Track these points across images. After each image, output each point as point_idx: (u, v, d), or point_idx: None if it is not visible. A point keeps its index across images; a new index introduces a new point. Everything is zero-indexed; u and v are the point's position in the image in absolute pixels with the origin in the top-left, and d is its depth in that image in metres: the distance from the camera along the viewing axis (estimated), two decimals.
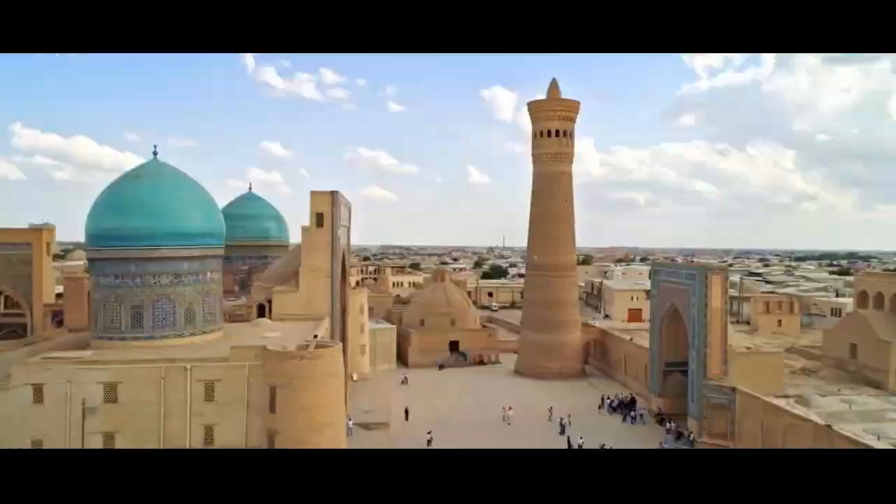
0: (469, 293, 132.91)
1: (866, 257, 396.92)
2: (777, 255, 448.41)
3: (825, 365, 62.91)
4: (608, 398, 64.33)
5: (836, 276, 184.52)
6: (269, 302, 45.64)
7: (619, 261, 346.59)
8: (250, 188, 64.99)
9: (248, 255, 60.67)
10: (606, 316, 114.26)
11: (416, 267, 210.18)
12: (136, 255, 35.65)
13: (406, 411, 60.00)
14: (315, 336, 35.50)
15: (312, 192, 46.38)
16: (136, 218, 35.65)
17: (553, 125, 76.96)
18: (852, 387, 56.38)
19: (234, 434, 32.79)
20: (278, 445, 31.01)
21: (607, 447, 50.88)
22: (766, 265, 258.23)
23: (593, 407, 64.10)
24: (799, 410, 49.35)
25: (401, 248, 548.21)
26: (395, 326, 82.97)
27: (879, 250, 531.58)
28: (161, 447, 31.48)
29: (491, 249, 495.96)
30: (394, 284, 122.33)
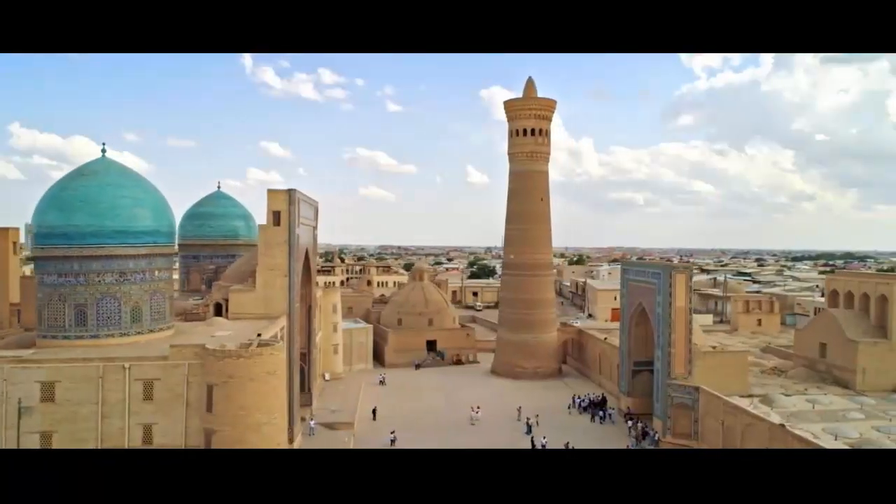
0: (454, 293, 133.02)
1: (862, 258, 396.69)
2: (774, 256, 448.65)
3: (796, 364, 62.67)
4: (578, 398, 64.04)
5: (826, 276, 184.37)
6: (227, 301, 45.36)
7: (614, 261, 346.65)
8: (219, 187, 64.65)
9: (217, 253, 60.33)
10: (590, 315, 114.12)
11: (408, 267, 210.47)
12: (80, 253, 35.31)
13: (374, 411, 59.79)
14: (259, 335, 35.20)
15: (269, 191, 46.02)
16: (80, 216, 35.34)
17: (528, 124, 76.68)
18: (820, 386, 56.16)
19: (173, 434, 32.51)
20: (215, 445, 30.74)
21: (570, 447, 50.72)
22: (760, 265, 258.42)
23: (565, 406, 63.81)
24: (761, 410, 49.17)
25: (399, 248, 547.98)
26: (371, 326, 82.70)
27: (877, 250, 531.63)
28: (99, 447, 31.24)
29: (489, 250, 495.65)
30: (378, 284, 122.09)
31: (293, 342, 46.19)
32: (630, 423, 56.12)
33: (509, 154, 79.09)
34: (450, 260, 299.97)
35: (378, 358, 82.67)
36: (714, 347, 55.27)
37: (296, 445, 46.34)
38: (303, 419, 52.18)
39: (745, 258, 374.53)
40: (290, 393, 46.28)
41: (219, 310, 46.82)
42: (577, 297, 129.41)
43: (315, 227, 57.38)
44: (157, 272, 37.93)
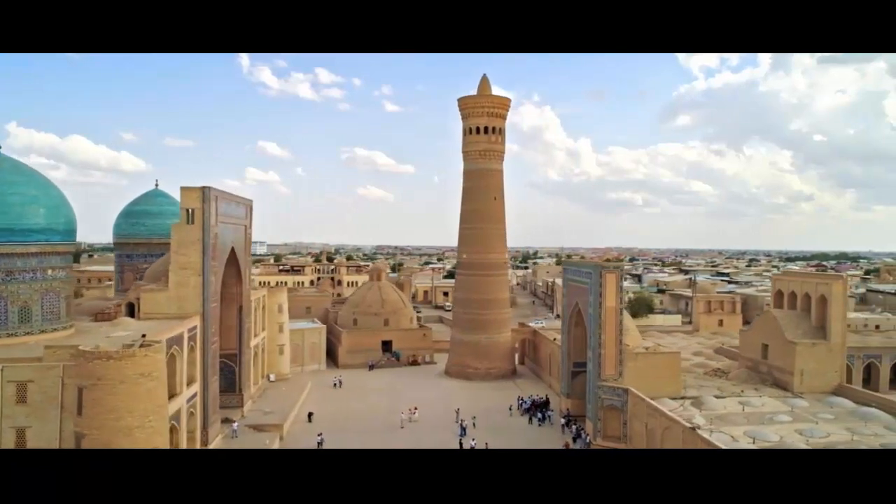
0: (425, 293, 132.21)
1: (855, 258, 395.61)
2: (768, 256, 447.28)
3: (741, 366, 61.80)
4: (521, 399, 63.17)
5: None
6: (139, 300, 44.54)
7: (607, 260, 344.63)
8: (157, 185, 63.78)
9: (152, 252, 59.34)
10: (558, 315, 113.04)
11: (397, 268, 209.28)
12: None
13: (309, 414, 58.96)
14: (143, 335, 34.32)
15: (182, 188, 45.17)
16: None
17: (482, 121, 75.83)
18: (758, 388, 55.32)
19: (47, 437, 31.70)
20: (86, 448, 29.92)
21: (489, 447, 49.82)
22: (749, 265, 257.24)
23: (508, 408, 62.86)
24: (689, 412, 48.42)
25: (395, 248, 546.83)
26: (324, 326, 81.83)
27: (871, 251, 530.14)
28: None
29: None
30: (349, 284, 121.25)
31: (208, 343, 45.35)
32: (563, 423, 55.32)
33: (463, 152, 78.26)
34: (440, 260, 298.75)
35: (333, 358, 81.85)
36: (647, 349, 54.34)
37: (212, 448, 45.55)
38: (227, 421, 51.39)
39: (737, 259, 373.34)
40: (205, 395, 45.52)
41: (131, 310, 45.97)
42: (549, 297, 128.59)
43: (247, 227, 56.54)
44: (49, 271, 37.12)
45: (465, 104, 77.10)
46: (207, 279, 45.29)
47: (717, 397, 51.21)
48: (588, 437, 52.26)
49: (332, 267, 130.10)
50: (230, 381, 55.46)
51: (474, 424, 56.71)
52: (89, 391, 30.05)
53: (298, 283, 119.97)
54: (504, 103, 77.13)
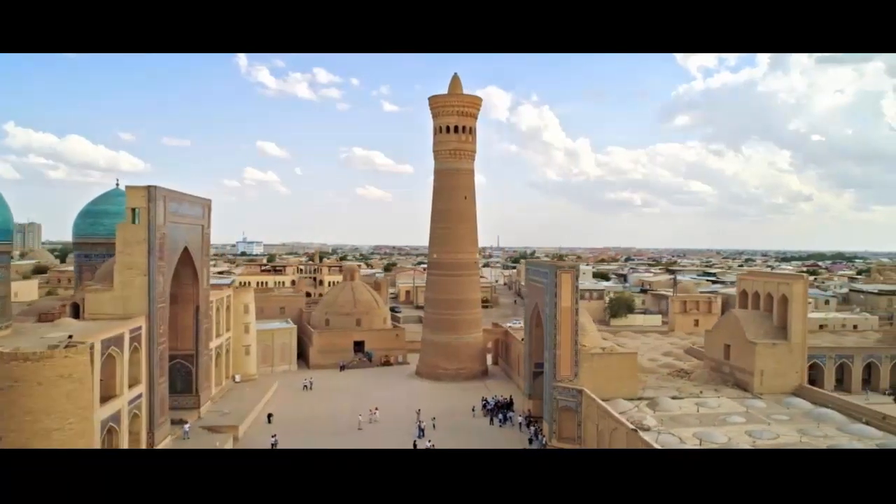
0: (407, 293, 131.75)
1: (851, 258, 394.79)
2: (765, 256, 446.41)
3: (706, 366, 61.33)
4: (484, 400, 62.71)
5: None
6: (83, 301, 44.13)
7: (602, 260, 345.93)
8: (117, 184, 63.22)
9: (111, 252, 58.47)
10: None
11: (389, 268, 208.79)
12: None
13: (269, 415, 58.56)
14: (70, 336, 33.93)
15: (127, 187, 44.82)
16: None
17: (452, 121, 75.38)
18: (718, 388, 54.86)
19: None
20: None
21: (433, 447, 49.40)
22: (742, 265, 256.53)
23: (476, 409, 62.40)
24: (643, 413, 47.99)
25: (393, 248, 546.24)
26: (295, 326, 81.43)
27: (867, 250, 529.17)
28: None
29: (483, 250, 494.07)
30: (330, 284, 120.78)
31: (154, 344, 44.94)
32: (521, 424, 54.90)
33: (434, 151, 77.84)
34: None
35: (306, 359, 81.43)
36: (603, 349, 53.88)
37: (154, 448, 45.12)
38: (180, 422, 50.98)
39: (734, 259, 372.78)
40: (152, 396, 45.10)
41: (76, 310, 45.56)
42: None
43: (204, 226, 56.09)
44: None
45: (435, 103, 76.68)
46: (154, 279, 44.88)
47: (673, 398, 50.74)
48: (544, 439, 51.82)
49: (315, 267, 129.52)
50: (187, 382, 55.04)
51: (434, 426, 56.29)
52: (6, 393, 29.65)
53: (279, 282, 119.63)
54: (475, 102, 76.66)
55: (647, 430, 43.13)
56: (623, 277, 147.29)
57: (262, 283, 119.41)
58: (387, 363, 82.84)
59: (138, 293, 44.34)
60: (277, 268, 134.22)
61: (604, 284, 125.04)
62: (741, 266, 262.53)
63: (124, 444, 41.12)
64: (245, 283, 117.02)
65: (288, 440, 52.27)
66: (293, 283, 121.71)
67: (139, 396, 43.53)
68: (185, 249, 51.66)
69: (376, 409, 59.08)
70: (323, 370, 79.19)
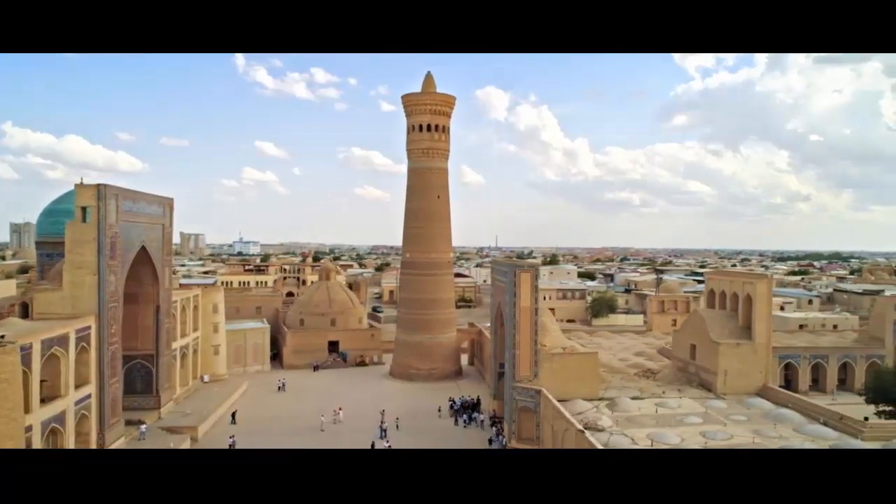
0: (391, 293, 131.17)
1: (847, 257, 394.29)
2: (761, 256, 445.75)
3: (673, 366, 60.89)
4: (451, 400, 62.29)
5: (794, 276, 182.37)
6: (32, 300, 43.73)
7: (597, 260, 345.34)
8: (81, 181, 62.70)
9: None
10: None
11: (382, 268, 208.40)
12: None
13: (233, 414, 58.22)
14: (2, 336, 33.52)
15: (76, 185, 44.45)
16: None
17: (425, 119, 74.95)
18: (682, 388, 54.44)
19: None
20: None
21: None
22: (735, 265, 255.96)
23: (443, 410, 61.97)
24: (602, 413, 47.59)
25: (391, 248, 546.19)
26: (268, 326, 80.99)
27: (864, 250, 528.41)
28: None
29: (480, 249, 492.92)
30: (312, 283, 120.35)
31: (104, 344, 44.52)
32: (483, 424, 54.49)
33: (407, 150, 77.43)
34: None
35: (281, 359, 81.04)
36: (564, 349, 53.43)
37: (103, 448, 44.69)
38: (138, 422, 50.61)
39: (731, 258, 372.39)
40: (102, 397, 44.69)
41: (25, 310, 45.18)
42: None
43: (165, 225, 55.69)
44: None
45: (408, 101, 76.25)
46: (105, 279, 44.46)
47: (634, 399, 50.30)
48: (504, 439, 51.41)
49: (298, 267, 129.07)
50: (147, 382, 54.67)
51: (397, 426, 55.89)
52: None
53: (262, 282, 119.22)
54: (448, 101, 76.20)
55: (601, 430, 42.73)
56: (610, 277, 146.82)
57: (244, 282, 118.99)
58: (362, 363, 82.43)
59: (88, 292, 43.92)
60: (261, 268, 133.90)
61: (588, 284, 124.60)
62: (733, 266, 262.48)
63: (70, 444, 40.75)
64: (227, 282, 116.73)
65: (249, 441, 51.90)
66: (275, 282, 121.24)
67: (88, 397, 43.14)
68: (143, 249, 51.28)
69: (340, 409, 58.68)
70: (297, 370, 78.77)
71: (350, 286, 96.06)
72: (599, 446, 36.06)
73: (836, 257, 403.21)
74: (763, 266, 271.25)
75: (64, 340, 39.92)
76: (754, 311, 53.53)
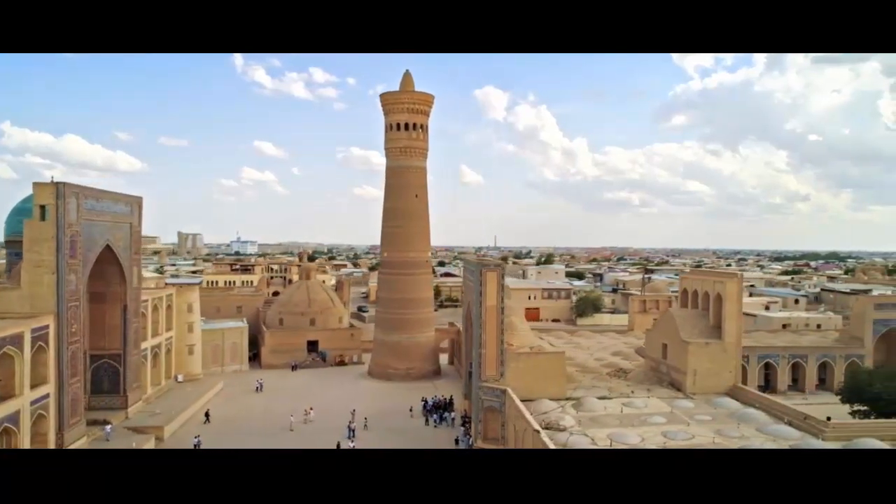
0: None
1: (844, 257, 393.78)
2: (759, 256, 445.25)
3: (646, 366, 60.56)
4: (424, 400, 61.99)
5: (786, 276, 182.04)
6: None
7: (593, 260, 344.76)
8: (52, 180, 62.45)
9: None
10: None
11: (375, 268, 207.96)
12: None
13: (207, 413, 58.02)
14: None
15: (34, 184, 44.18)
16: None
17: (403, 118, 74.71)
18: (652, 388, 54.06)
19: None
20: None
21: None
22: (730, 265, 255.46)
23: (415, 409, 61.66)
24: (566, 412, 47.28)
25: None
26: (246, 325, 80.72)
27: (861, 250, 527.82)
28: None
29: (479, 249, 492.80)
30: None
31: (64, 343, 44.24)
32: (451, 423, 54.21)
33: (385, 149, 77.22)
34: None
35: (259, 359, 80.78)
36: (531, 349, 53.12)
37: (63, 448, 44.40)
38: (104, 422, 50.36)
39: (729, 258, 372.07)
40: (61, 396, 44.40)
41: None
42: None
43: (133, 224, 55.36)
44: None
45: (385, 100, 76.04)
46: (64, 278, 44.19)
47: (601, 399, 49.95)
48: (471, 439, 51.12)
49: (285, 266, 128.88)
50: (114, 382, 54.39)
51: (366, 426, 55.63)
52: None
53: (247, 282, 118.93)
54: (426, 100, 75.93)
55: (562, 430, 42.40)
56: (599, 277, 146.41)
57: (230, 282, 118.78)
58: (341, 363, 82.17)
59: (46, 291, 43.65)
60: (246, 267, 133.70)
61: (575, 284, 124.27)
62: (729, 265, 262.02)
63: (26, 444, 40.44)
64: (213, 282, 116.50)
65: (215, 441, 51.66)
66: (259, 282, 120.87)
67: (46, 396, 42.85)
68: (109, 248, 50.99)
69: (311, 409, 58.41)
70: (275, 370, 78.51)
71: (336, 286, 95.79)
72: (553, 446, 35.72)
73: (834, 257, 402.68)
74: (760, 265, 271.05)
75: (18, 339, 39.63)
76: (724, 310, 53.18)
